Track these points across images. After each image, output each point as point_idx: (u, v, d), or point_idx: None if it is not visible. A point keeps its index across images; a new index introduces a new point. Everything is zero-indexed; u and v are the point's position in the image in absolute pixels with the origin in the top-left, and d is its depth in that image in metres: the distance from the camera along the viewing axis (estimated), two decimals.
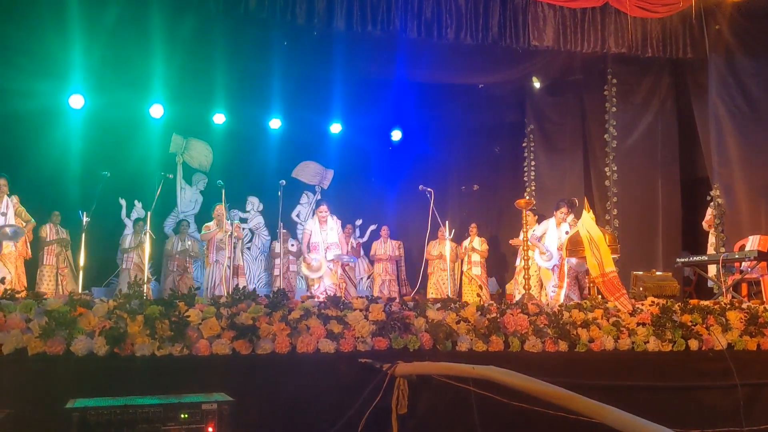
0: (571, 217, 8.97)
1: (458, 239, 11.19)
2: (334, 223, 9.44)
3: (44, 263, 9.87)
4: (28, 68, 9.27)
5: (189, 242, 10.86)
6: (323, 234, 9.34)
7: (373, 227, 12.40)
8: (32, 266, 9.69)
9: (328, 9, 8.09)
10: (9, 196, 8.57)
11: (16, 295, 4.79)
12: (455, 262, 11.14)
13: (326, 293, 8.83)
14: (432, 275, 11.39)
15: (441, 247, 11.12)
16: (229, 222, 9.47)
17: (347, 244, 11.31)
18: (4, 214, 8.49)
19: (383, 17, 8.31)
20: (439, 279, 11.27)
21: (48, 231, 9.99)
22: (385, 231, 11.92)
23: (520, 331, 5.41)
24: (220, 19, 8.17)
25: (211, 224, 9.92)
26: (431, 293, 11.15)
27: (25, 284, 8.92)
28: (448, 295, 7.56)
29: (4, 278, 4.98)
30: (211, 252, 9.94)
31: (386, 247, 11.85)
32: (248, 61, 9.68)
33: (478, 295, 8.07)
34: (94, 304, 4.68)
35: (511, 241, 11.11)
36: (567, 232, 8.96)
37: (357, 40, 8.76)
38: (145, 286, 5.29)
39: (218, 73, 9.84)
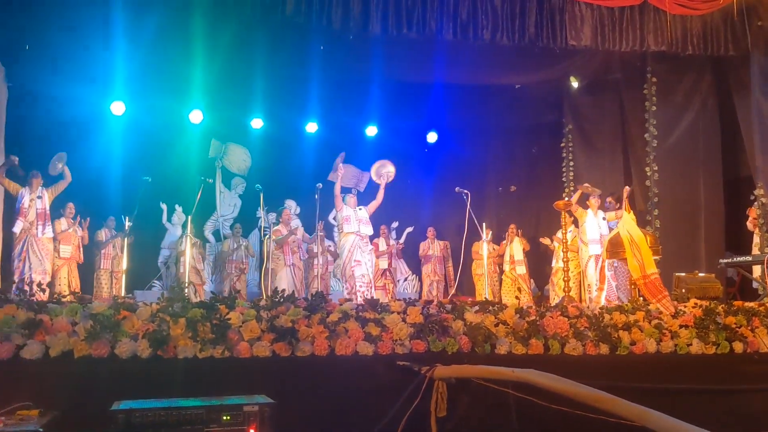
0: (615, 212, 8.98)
1: (496, 241, 11.14)
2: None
3: (100, 267, 10.08)
4: (73, 75, 9.48)
5: (244, 243, 11.00)
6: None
7: (409, 229, 12.38)
8: (86, 270, 9.95)
9: (363, 12, 8.13)
10: (44, 187, 8.92)
11: (63, 299, 4.90)
12: (491, 262, 11.10)
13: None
14: (482, 276, 11.34)
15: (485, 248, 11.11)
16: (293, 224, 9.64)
17: (386, 245, 11.36)
18: (40, 197, 8.87)
19: (419, 19, 8.32)
20: (479, 279, 11.24)
21: (104, 235, 10.21)
22: (431, 232, 11.91)
23: (560, 333, 5.36)
24: (259, 26, 8.27)
25: (280, 227, 10.07)
26: (478, 294, 11.10)
27: (79, 288, 9.17)
28: (485, 298, 7.52)
29: (40, 283, 5.08)
30: (287, 254, 10.10)
31: (434, 248, 11.84)
32: (285, 66, 9.77)
33: (517, 297, 8.00)
34: (138, 308, 4.77)
35: (541, 239, 11.04)
36: (604, 218, 8.97)
37: (393, 43, 8.77)
38: (187, 289, 5.36)
39: (256, 79, 9.95)
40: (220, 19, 8.06)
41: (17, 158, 8.84)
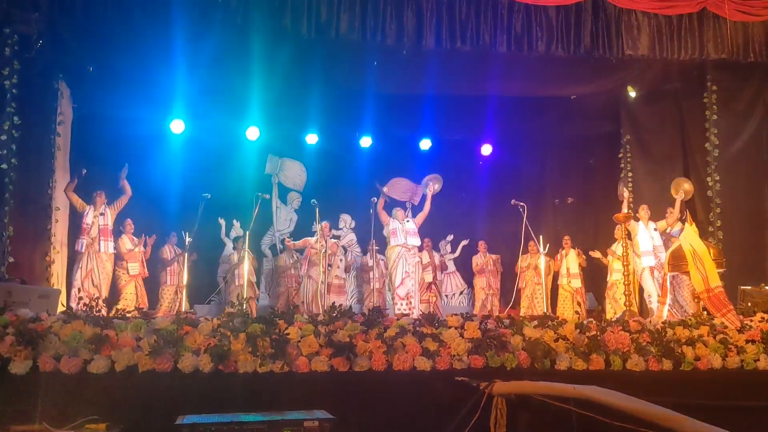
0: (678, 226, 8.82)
1: (552, 253, 11.00)
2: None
3: (166, 283, 10.32)
4: (134, 96, 9.76)
5: (295, 257, 11.16)
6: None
7: (464, 242, 12.32)
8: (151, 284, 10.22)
9: (417, 27, 8.17)
10: (107, 205, 9.26)
11: (128, 314, 5.03)
12: (548, 275, 10.97)
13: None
14: (524, 289, 11.23)
15: (533, 260, 10.98)
16: (321, 239, 9.73)
17: (430, 258, 11.34)
18: (103, 214, 9.19)
19: (472, 33, 8.31)
20: (533, 293, 11.10)
21: (168, 252, 10.45)
22: (482, 245, 11.84)
23: (622, 349, 5.27)
24: (314, 44, 8.37)
25: (312, 239, 10.23)
26: (524, 307, 10.99)
27: (146, 303, 9.43)
28: (545, 312, 7.43)
29: (98, 297, 5.24)
30: (304, 265, 10.22)
31: (487, 261, 11.77)
32: (340, 82, 9.86)
33: (577, 312, 7.89)
34: (200, 323, 4.86)
35: (591, 253, 10.85)
36: (655, 229, 8.82)
37: (446, 57, 8.77)
38: (245, 303, 5.44)
39: (311, 95, 10.04)
40: (276, 40, 8.19)
41: (84, 170, 9.23)
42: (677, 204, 9.04)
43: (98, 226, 9.15)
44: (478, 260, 11.85)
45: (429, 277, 11.18)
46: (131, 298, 9.57)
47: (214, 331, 4.77)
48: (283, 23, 7.90)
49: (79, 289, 8.80)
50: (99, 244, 9.11)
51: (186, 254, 9.49)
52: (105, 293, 8.97)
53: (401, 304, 9.35)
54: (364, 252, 11.84)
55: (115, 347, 4.58)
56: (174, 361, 4.54)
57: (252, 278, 10.62)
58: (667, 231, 9.05)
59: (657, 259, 9.13)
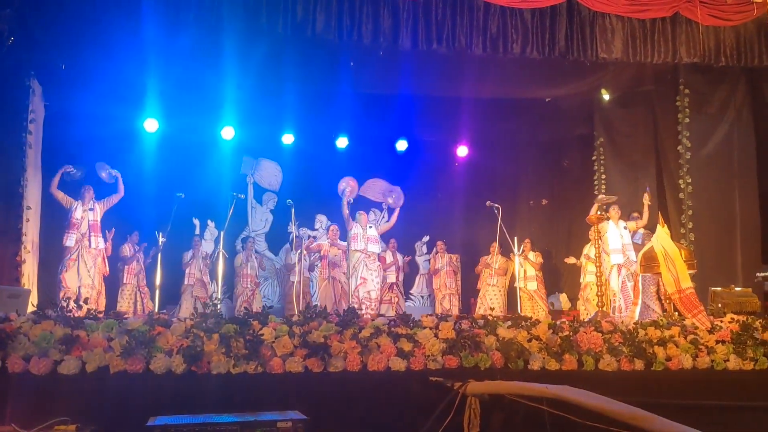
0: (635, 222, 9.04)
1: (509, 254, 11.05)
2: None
3: (124, 282, 10.20)
4: (107, 94, 9.65)
5: (256, 259, 11.12)
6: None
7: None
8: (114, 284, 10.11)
9: (393, 27, 8.15)
10: (96, 200, 9.26)
11: (98, 315, 4.97)
12: (504, 276, 11.09)
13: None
14: (480, 290, 11.32)
15: (491, 261, 11.07)
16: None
17: (393, 258, 11.38)
18: (92, 210, 9.18)
19: (448, 34, 8.31)
20: (485, 293, 11.16)
21: (127, 250, 10.33)
22: (441, 245, 11.86)
23: (594, 349, 5.31)
24: (289, 43, 8.34)
25: (326, 242, 10.38)
26: (478, 308, 11.03)
27: (104, 303, 9.28)
28: (515, 312, 7.47)
29: (87, 299, 5.18)
30: (324, 267, 10.31)
31: (443, 261, 11.78)
32: (316, 82, 9.83)
33: (548, 313, 7.95)
34: (172, 323, 4.82)
35: (566, 260, 10.93)
36: (625, 227, 8.93)
37: (422, 58, 8.79)
38: (219, 304, 5.40)
39: (287, 95, 10.02)
40: (251, 38, 8.14)
41: (71, 167, 9.17)
42: (645, 208, 9.16)
43: (88, 222, 9.09)
44: (433, 260, 11.88)
45: (392, 278, 11.24)
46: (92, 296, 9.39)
47: (187, 331, 4.72)
48: (259, 22, 7.85)
49: (59, 285, 8.69)
50: (89, 239, 9.05)
51: (158, 253, 9.37)
52: (99, 287, 9.02)
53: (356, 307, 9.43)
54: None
55: (86, 348, 4.52)
56: (146, 362, 4.49)
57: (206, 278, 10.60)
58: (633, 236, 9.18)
59: (625, 257, 9.23)
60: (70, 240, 8.99)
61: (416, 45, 8.21)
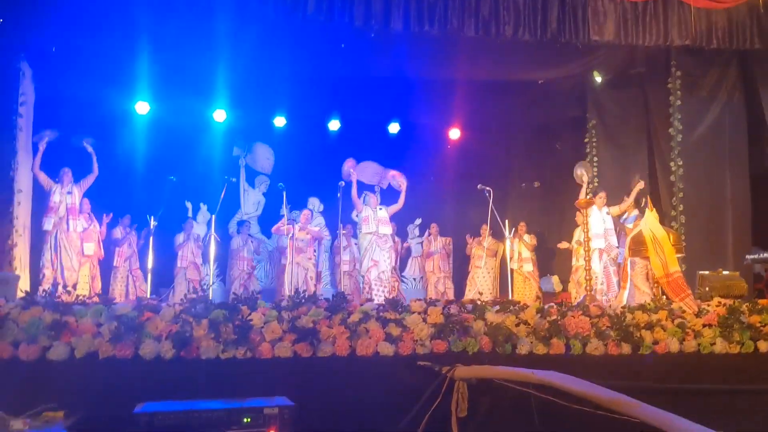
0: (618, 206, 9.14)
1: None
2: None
3: (115, 265, 10.18)
4: (98, 76, 9.58)
5: (253, 243, 11.10)
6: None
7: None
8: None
9: (385, 9, 8.11)
10: (74, 183, 9.19)
11: (88, 300, 4.98)
12: (494, 258, 11.16)
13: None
14: (470, 272, 11.36)
15: (479, 244, 11.12)
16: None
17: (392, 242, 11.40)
18: (70, 193, 9.13)
19: (440, 16, 8.28)
20: (474, 276, 11.21)
21: (119, 233, 10.29)
22: (434, 228, 11.88)
23: (582, 333, 5.35)
24: (281, 25, 8.29)
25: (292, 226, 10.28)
26: (468, 290, 11.08)
27: (99, 286, 9.28)
28: (507, 294, 7.50)
29: (75, 284, 5.19)
30: (290, 252, 10.23)
31: (436, 244, 11.81)
32: (307, 64, 9.77)
33: (539, 297, 7.99)
34: (161, 308, 4.83)
35: (559, 245, 10.97)
36: (608, 213, 9.00)
37: (414, 40, 8.75)
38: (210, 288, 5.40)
39: (279, 77, 9.97)
40: (242, 20, 8.09)
41: (48, 131, 9.14)
42: (633, 193, 9.17)
43: (66, 205, 9.04)
44: (426, 243, 11.91)
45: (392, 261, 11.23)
46: (86, 279, 9.37)
47: (177, 317, 4.74)
48: (250, 4, 7.81)
49: (41, 270, 8.66)
50: (67, 222, 9.01)
51: (151, 236, 9.35)
52: (76, 274, 8.92)
53: (367, 289, 9.40)
54: (334, 236, 11.82)
55: (75, 334, 4.54)
56: (135, 347, 4.51)
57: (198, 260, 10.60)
58: (622, 219, 9.18)
59: (607, 243, 9.29)
60: (48, 223, 8.94)
61: (408, 27, 8.18)
